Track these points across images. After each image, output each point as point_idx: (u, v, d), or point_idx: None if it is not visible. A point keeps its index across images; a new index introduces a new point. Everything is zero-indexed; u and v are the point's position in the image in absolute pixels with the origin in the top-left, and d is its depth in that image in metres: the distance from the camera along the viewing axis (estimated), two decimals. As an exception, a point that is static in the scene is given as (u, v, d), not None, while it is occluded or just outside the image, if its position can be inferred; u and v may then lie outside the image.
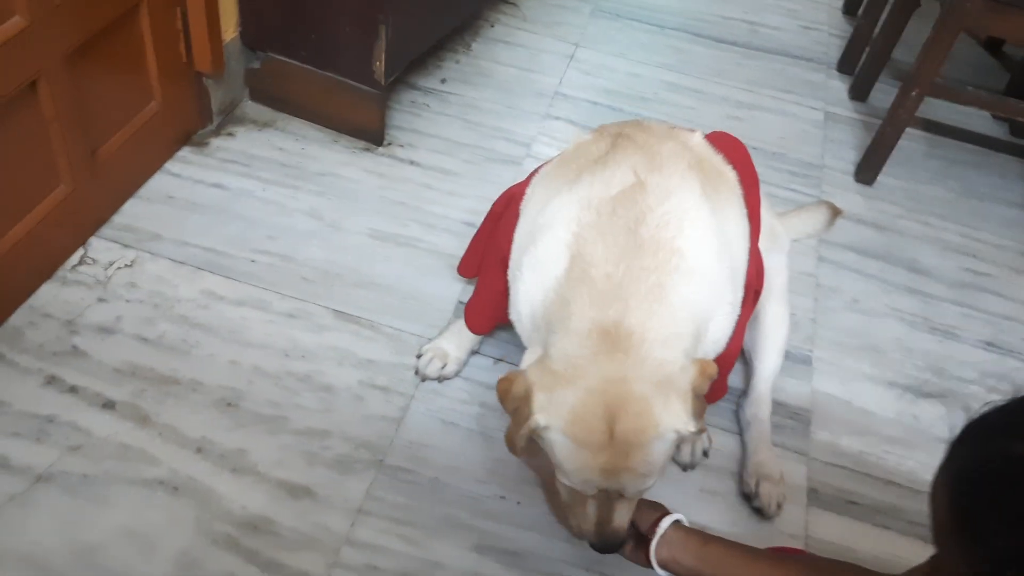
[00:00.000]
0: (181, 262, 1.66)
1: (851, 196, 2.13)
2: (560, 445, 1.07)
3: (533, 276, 1.19)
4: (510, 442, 1.11)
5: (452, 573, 1.31)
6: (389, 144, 2.01)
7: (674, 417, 1.04)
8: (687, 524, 1.18)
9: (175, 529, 1.29)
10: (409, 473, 1.41)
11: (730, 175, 1.31)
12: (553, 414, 1.05)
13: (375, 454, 1.43)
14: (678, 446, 1.47)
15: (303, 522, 1.33)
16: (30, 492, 1.29)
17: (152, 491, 1.32)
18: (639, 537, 1.19)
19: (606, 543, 1.16)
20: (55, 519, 1.27)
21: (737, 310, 1.26)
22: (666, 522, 1.15)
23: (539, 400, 1.07)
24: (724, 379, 1.38)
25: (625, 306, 1.07)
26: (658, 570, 1.14)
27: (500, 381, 1.13)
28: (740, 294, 1.26)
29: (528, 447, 1.11)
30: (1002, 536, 0.61)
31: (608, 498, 1.11)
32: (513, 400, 1.10)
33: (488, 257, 1.43)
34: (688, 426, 1.05)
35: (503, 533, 1.36)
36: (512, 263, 1.28)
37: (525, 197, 1.32)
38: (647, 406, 1.03)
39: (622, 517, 1.14)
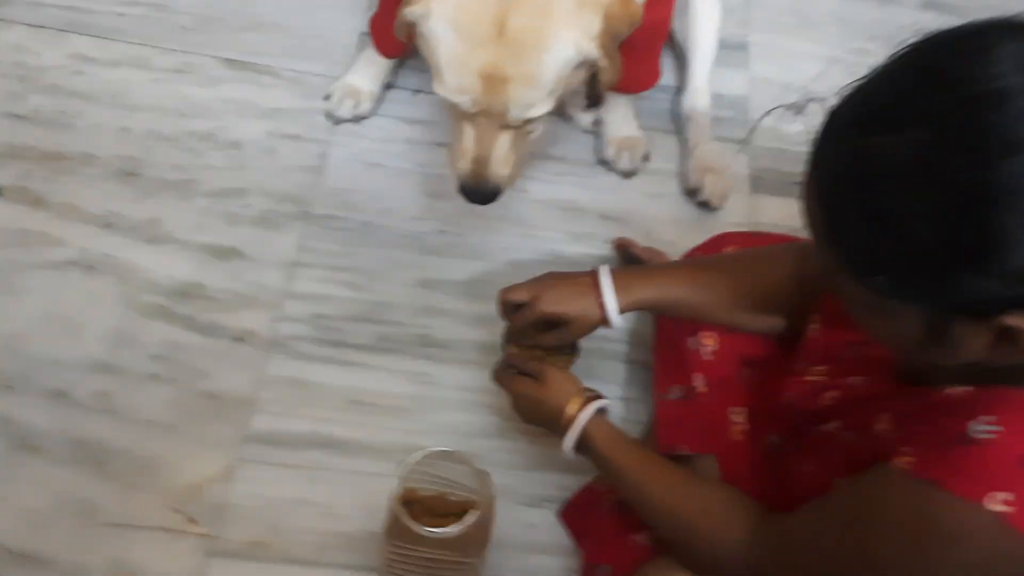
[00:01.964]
0: (39, 26, 1.46)
1: None
2: (441, 39, 0.97)
3: None
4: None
5: (401, 310, 1.29)
6: None
7: (579, 31, 0.95)
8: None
9: (100, 308, 1.23)
10: (339, 220, 1.35)
11: None
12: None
13: (299, 206, 1.35)
14: (600, 133, 1.41)
15: (237, 282, 1.27)
16: (-68, 295, 1.20)
17: (65, 273, 1.25)
18: None
19: (479, 185, 1.08)
20: (-33, 316, 1.20)
21: None
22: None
23: None
24: (655, 61, 1.29)
25: None
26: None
27: None
28: None
29: None
30: (861, 234, 0.61)
31: (489, 125, 1.03)
32: None
33: None
34: (591, 50, 0.96)
35: (448, 265, 1.33)
36: None
37: None
38: (551, 5, 0.93)
39: (501, 155, 1.06)
